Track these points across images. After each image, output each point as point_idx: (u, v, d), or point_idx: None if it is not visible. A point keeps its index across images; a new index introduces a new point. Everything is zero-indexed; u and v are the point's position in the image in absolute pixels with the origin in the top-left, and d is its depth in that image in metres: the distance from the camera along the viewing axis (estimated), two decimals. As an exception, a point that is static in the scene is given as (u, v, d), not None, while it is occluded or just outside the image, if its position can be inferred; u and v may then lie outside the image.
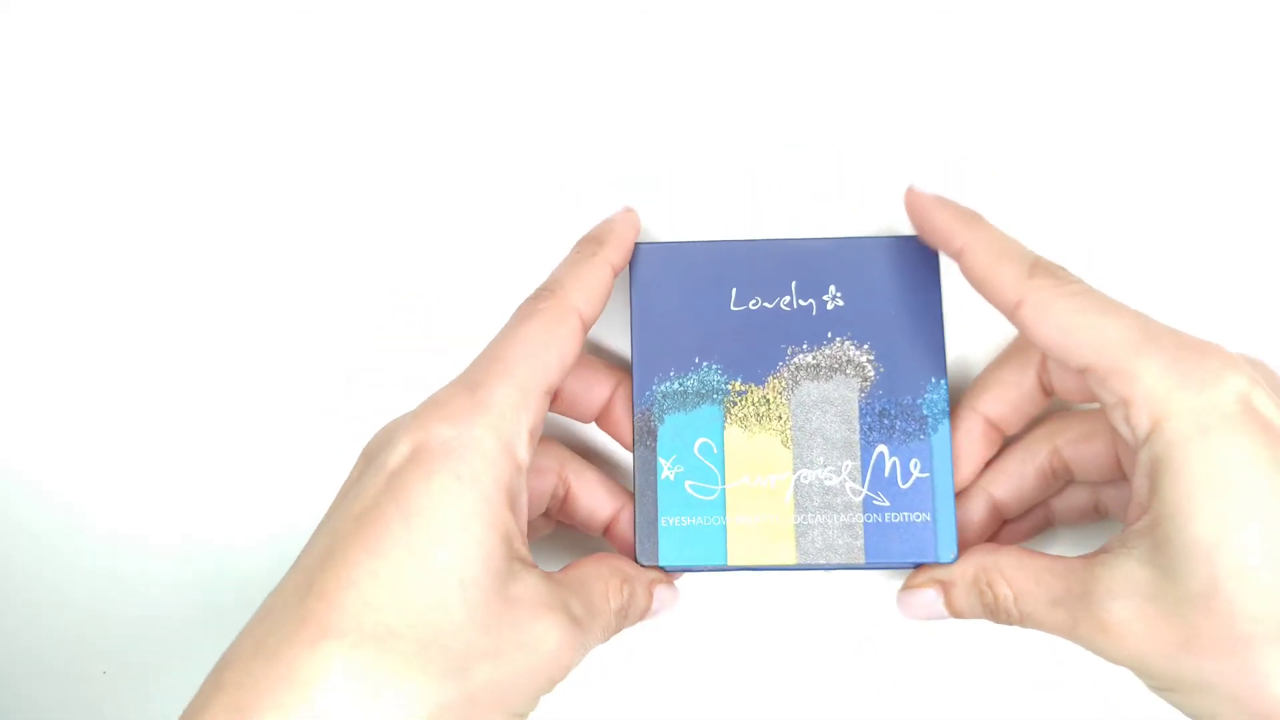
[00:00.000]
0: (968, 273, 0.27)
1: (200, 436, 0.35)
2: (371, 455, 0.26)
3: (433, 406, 0.25)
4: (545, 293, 0.28)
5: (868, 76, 0.35)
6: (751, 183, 0.34)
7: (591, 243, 0.29)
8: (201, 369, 0.35)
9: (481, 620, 0.23)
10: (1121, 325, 0.25)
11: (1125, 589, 0.24)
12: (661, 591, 0.30)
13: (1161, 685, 0.24)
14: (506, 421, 0.25)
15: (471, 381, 0.26)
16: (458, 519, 0.24)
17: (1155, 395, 0.24)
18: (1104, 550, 0.25)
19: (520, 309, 0.28)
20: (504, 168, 0.35)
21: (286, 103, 0.35)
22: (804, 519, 0.29)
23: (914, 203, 0.29)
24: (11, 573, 0.35)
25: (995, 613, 0.27)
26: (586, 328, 0.28)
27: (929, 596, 0.29)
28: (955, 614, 0.29)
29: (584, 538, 0.33)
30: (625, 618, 0.28)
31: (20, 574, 0.35)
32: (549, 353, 0.27)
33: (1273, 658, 0.22)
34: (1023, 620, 0.27)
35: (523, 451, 0.26)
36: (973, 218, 0.28)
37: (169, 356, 0.35)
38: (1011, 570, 0.27)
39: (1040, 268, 0.26)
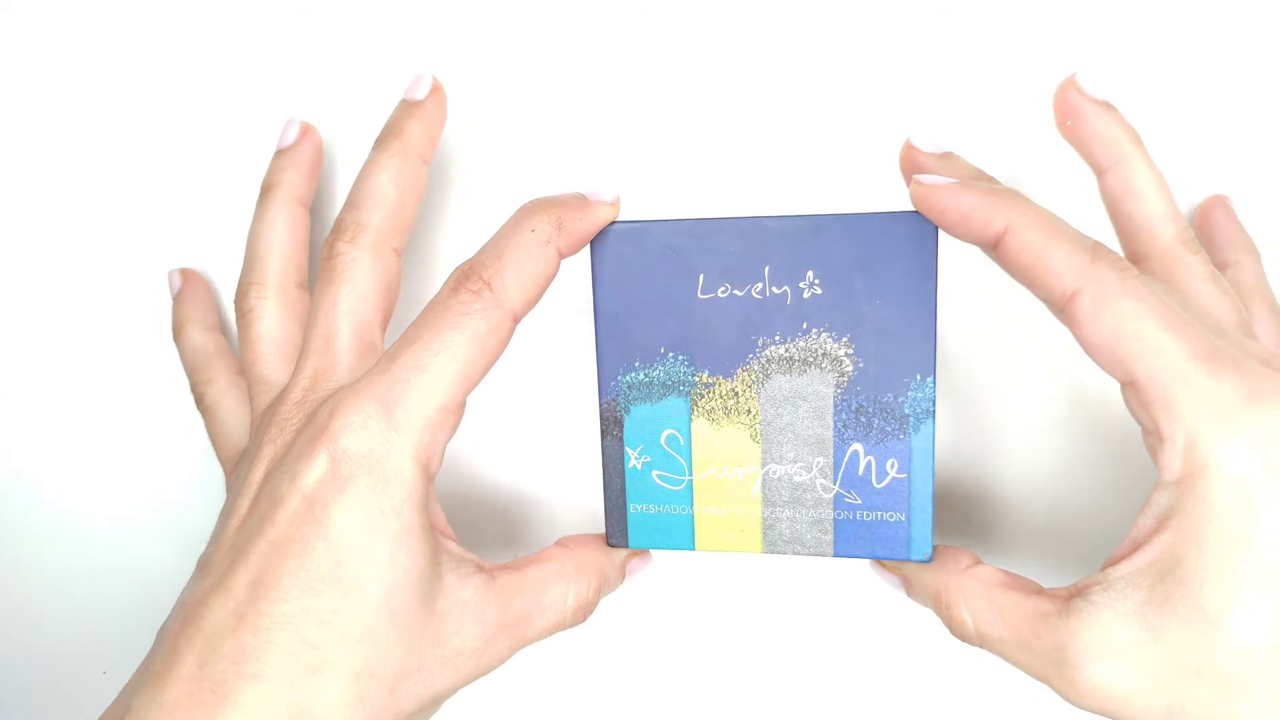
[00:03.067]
0: (1013, 256, 0.23)
1: (201, 437, 0.35)
2: (275, 457, 0.26)
3: (345, 419, 0.24)
4: (481, 285, 0.25)
5: (855, 36, 0.29)
6: (726, 153, 0.30)
7: (549, 223, 0.26)
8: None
9: (408, 642, 0.24)
10: (1184, 345, 0.22)
11: (1106, 650, 0.22)
12: (634, 563, 0.30)
13: None
14: (424, 444, 0.25)
15: (389, 397, 0.24)
16: (385, 553, 0.24)
17: (1197, 443, 0.22)
18: (1081, 594, 0.23)
19: (450, 300, 0.25)
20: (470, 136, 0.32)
21: (283, 101, 0.34)
22: (771, 512, 0.28)
23: (928, 194, 0.24)
24: (12, 573, 0.36)
25: (952, 630, 0.26)
26: (517, 325, 0.26)
27: (892, 580, 0.29)
28: (916, 602, 0.28)
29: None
30: (590, 608, 0.29)
31: (20, 575, 0.36)
32: (475, 367, 0.25)
33: None
34: (982, 645, 0.26)
35: (436, 465, 0.26)
36: (1012, 193, 0.24)
37: (172, 359, 0.35)
38: (976, 601, 0.26)
39: (1102, 254, 0.23)
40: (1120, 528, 0.24)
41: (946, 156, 0.28)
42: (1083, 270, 0.23)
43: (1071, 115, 0.27)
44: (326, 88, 0.34)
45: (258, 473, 0.26)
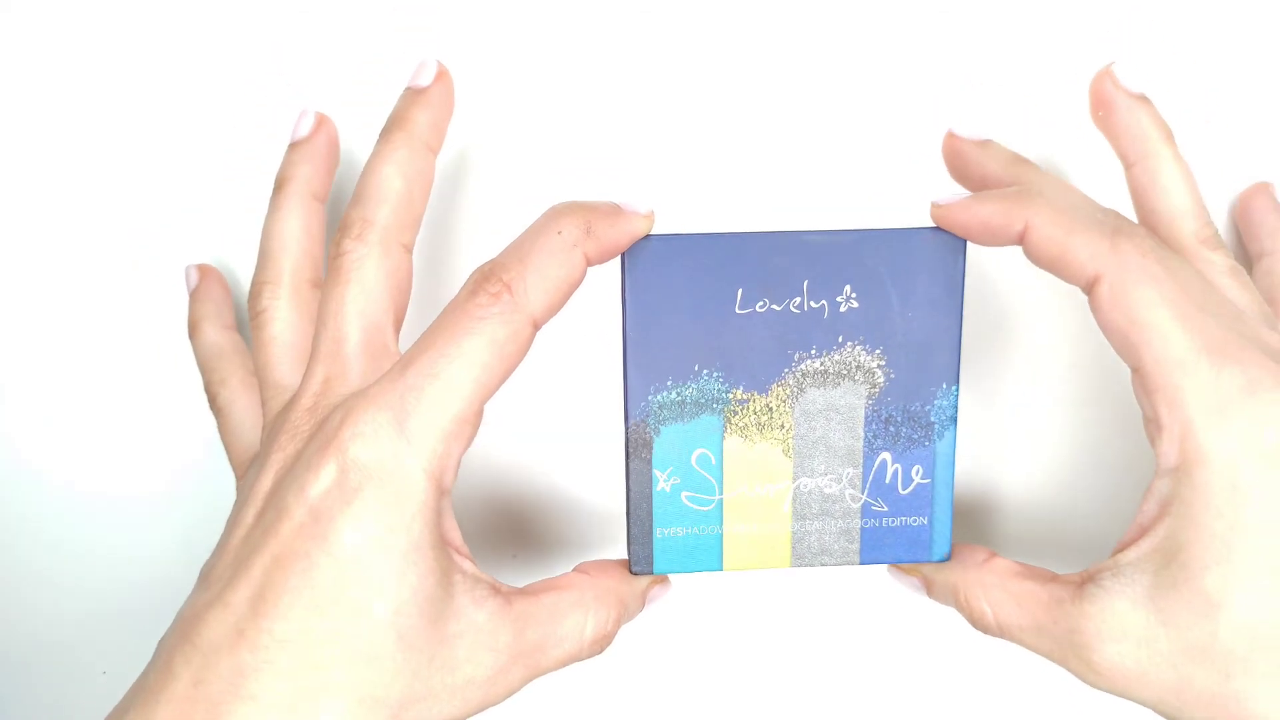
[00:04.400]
0: (1036, 253, 0.24)
1: (201, 437, 0.34)
2: (284, 466, 0.24)
3: (355, 428, 0.23)
4: (500, 287, 0.24)
5: (885, 50, 0.30)
6: (762, 168, 0.30)
7: (577, 226, 0.25)
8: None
9: (415, 667, 0.23)
10: (1190, 336, 0.23)
11: (1116, 632, 0.24)
12: (654, 590, 0.29)
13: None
14: (438, 457, 0.24)
15: (402, 406, 0.23)
16: (393, 570, 0.23)
17: (1193, 431, 0.23)
18: (1093, 580, 0.25)
19: (468, 304, 0.24)
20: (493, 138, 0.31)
21: (284, 101, 0.32)
22: (801, 526, 0.28)
23: (946, 214, 0.25)
24: (12, 572, 0.34)
25: (973, 622, 0.28)
26: (537, 331, 0.25)
27: (912, 582, 0.30)
28: (936, 601, 0.29)
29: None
30: (608, 639, 0.27)
31: (21, 574, 0.34)
32: (492, 375, 0.24)
33: (1265, 712, 0.23)
34: (1002, 635, 0.27)
35: (450, 479, 0.24)
36: (1026, 192, 0.25)
37: (175, 360, 0.33)
38: (994, 592, 0.27)
39: (1123, 236, 0.24)
40: (1128, 516, 0.27)
41: (986, 144, 0.28)
42: (1103, 257, 0.23)
43: (1104, 106, 0.28)
44: (347, 78, 0.32)
45: (266, 481, 0.25)
